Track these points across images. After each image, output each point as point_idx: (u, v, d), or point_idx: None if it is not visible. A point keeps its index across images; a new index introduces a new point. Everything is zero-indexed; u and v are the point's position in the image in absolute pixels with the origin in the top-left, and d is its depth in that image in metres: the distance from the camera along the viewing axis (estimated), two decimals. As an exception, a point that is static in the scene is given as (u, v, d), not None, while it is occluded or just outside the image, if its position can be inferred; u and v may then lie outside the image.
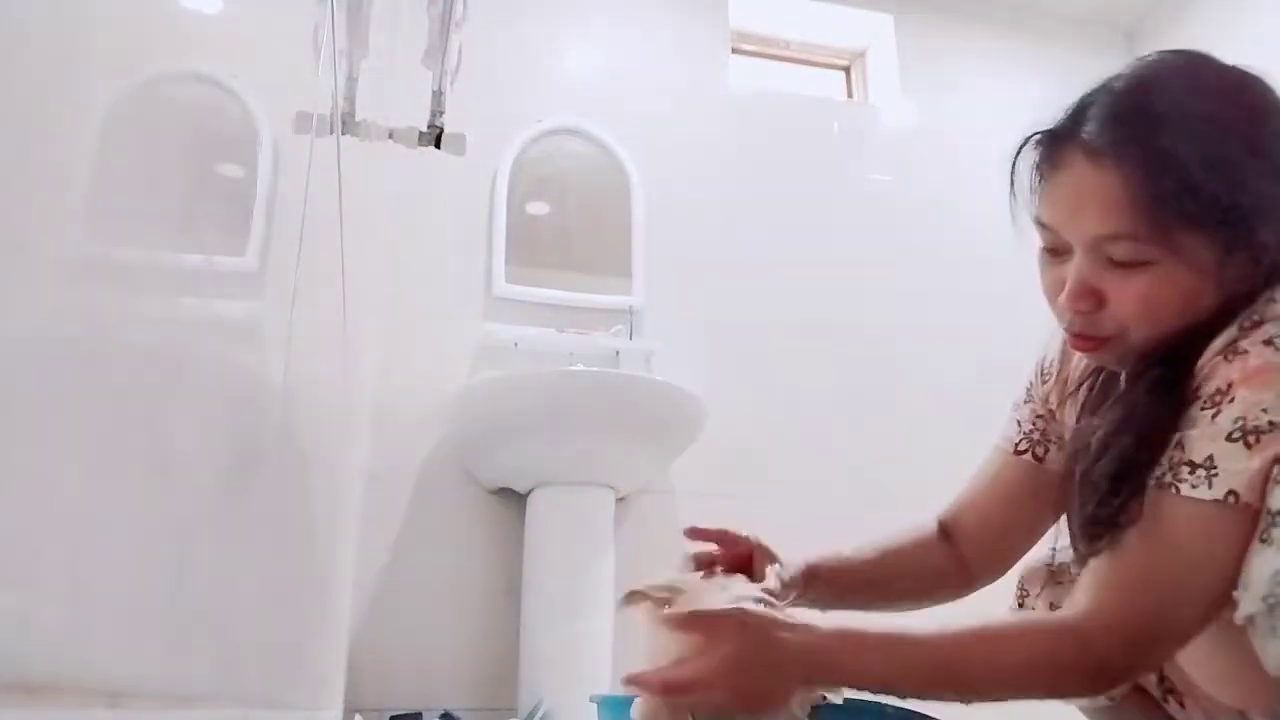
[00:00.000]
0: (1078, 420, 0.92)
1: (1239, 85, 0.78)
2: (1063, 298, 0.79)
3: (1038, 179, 0.81)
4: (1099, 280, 0.77)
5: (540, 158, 2.53)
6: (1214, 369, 0.73)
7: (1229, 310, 0.75)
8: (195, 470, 0.50)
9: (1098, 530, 0.77)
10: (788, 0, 3.03)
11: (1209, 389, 0.73)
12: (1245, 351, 0.71)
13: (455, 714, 1.89)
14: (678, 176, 2.64)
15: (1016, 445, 1.01)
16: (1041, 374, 1.01)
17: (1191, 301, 0.75)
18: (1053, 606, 0.99)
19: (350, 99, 1.10)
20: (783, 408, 2.49)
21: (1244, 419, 0.69)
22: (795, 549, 0.89)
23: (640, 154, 2.58)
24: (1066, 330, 0.82)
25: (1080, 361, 0.95)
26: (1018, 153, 0.83)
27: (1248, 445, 0.69)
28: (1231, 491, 0.69)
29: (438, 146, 1.56)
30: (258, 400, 0.70)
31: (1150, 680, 0.93)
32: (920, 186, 2.83)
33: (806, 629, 0.73)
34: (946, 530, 1.05)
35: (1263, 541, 0.68)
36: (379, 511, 2.10)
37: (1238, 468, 0.69)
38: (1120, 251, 0.75)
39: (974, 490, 1.05)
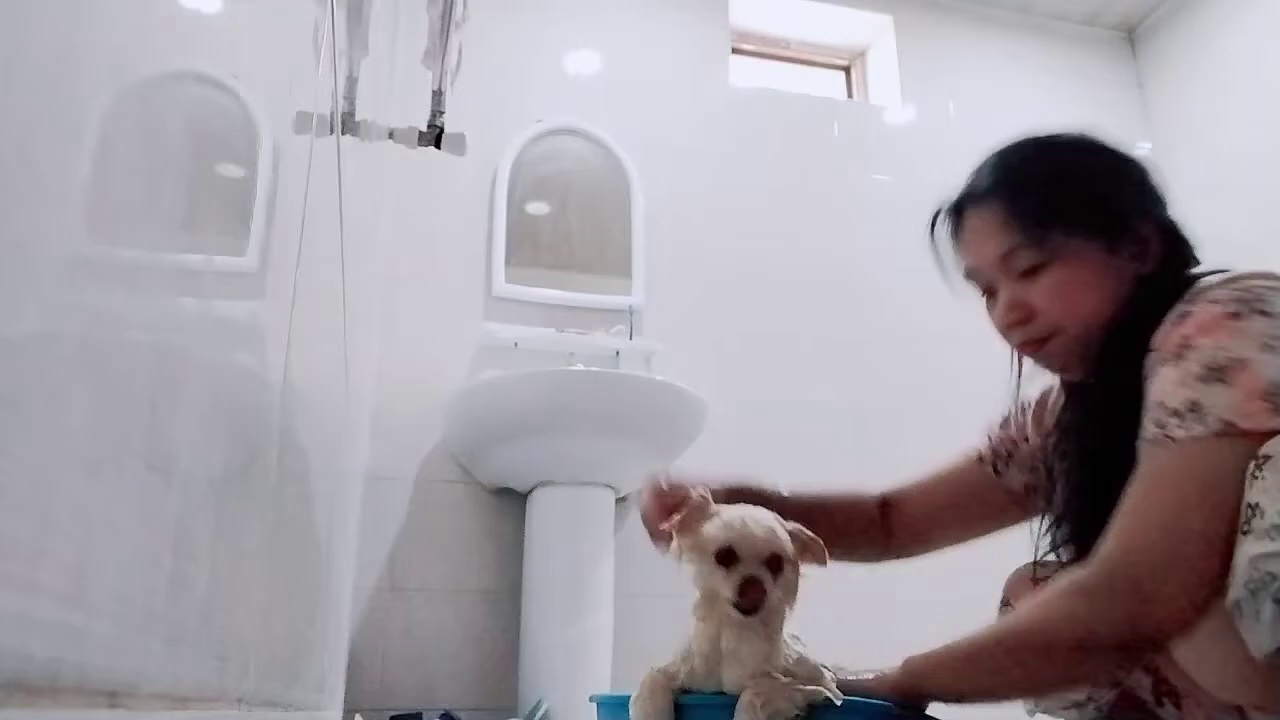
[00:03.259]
0: (1047, 438, 1.00)
1: (1084, 137, 0.95)
2: (998, 317, 0.93)
3: (954, 241, 0.98)
4: (1021, 293, 0.91)
5: (540, 158, 2.53)
6: (1168, 335, 0.79)
7: (1146, 296, 0.85)
8: (195, 470, 0.50)
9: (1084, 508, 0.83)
10: (788, 0, 3.03)
11: (1169, 346, 0.78)
12: (1192, 312, 0.78)
13: (455, 714, 1.89)
14: (678, 176, 2.64)
15: (980, 454, 1.10)
16: (1022, 408, 1.08)
17: (1099, 286, 0.88)
18: None
19: (350, 99, 1.10)
20: (783, 407, 2.50)
21: (1211, 361, 0.75)
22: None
23: (640, 154, 2.58)
24: (1017, 347, 0.95)
25: (1058, 400, 1.02)
26: (931, 231, 1.00)
27: (1223, 381, 0.74)
28: (1227, 422, 0.72)
29: (438, 146, 1.56)
30: (258, 400, 0.70)
31: (1145, 684, 0.93)
32: (920, 186, 2.82)
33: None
34: (887, 503, 1.14)
35: (1243, 533, 0.70)
36: (379, 511, 2.10)
37: (1223, 401, 0.73)
38: (1021, 262, 0.90)
39: (926, 479, 1.13)
